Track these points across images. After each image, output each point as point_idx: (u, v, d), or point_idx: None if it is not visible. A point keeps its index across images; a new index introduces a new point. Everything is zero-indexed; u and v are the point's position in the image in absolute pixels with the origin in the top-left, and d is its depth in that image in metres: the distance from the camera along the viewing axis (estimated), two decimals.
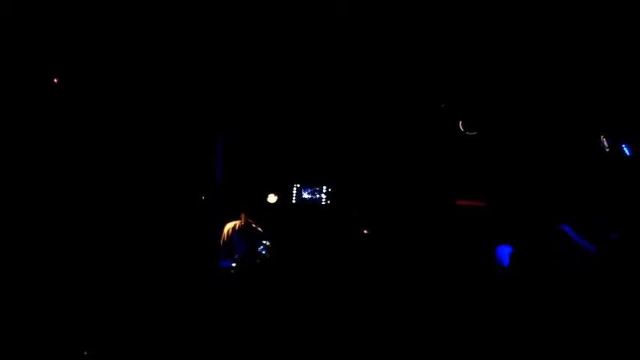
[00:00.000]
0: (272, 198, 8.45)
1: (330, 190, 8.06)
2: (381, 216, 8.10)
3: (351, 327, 6.04)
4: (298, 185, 8.28)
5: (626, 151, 6.73)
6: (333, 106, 8.22)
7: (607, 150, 6.79)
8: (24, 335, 5.33)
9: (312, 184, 7.98)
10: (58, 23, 6.55)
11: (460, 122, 7.60)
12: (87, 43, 6.79)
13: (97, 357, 5.35)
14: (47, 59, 6.83)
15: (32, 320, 5.67)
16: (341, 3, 6.62)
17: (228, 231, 7.35)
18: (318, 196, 8.07)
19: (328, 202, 8.02)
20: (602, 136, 6.82)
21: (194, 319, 5.91)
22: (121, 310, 6.26)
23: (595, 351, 4.50)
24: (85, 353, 5.49)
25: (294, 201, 8.18)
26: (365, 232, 8.10)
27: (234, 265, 7.08)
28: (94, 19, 6.63)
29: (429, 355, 5.55)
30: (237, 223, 7.38)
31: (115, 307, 6.30)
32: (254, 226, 7.66)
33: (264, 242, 7.01)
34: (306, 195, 8.06)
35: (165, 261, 7.22)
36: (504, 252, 5.66)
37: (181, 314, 6.17)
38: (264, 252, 6.96)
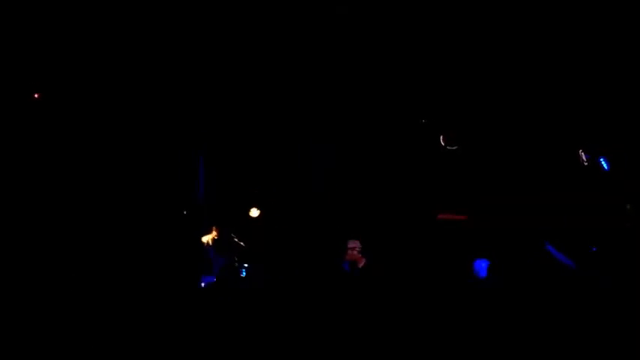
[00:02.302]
0: (254, 212, 8.47)
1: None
2: (365, 229, 8.10)
3: (337, 336, 6.03)
4: None
5: (604, 165, 6.81)
6: (316, 123, 8.24)
7: (585, 164, 6.87)
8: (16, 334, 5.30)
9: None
10: (46, 28, 6.55)
11: (441, 137, 7.64)
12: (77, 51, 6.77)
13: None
14: (34, 66, 6.82)
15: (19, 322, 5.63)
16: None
17: (204, 245, 7.41)
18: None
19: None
20: (580, 151, 6.90)
21: (178, 334, 5.87)
22: (105, 326, 6.20)
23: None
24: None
25: None
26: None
27: (216, 280, 7.10)
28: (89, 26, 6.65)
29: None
30: (210, 237, 7.45)
31: (99, 322, 6.24)
32: (236, 240, 7.68)
33: (244, 265, 7.04)
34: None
35: (148, 275, 7.17)
36: (481, 266, 5.73)
37: (165, 330, 6.13)
38: (243, 274, 6.97)
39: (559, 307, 4.76)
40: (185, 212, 8.04)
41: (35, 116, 6.99)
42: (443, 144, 7.63)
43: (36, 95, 6.95)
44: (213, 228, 7.55)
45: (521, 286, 5.19)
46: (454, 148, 7.57)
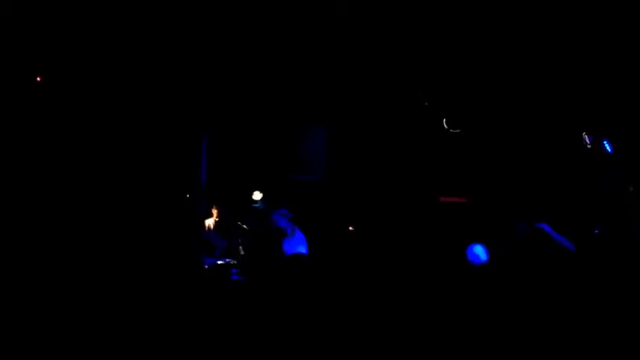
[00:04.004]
0: (257, 195, 8.49)
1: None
2: (366, 212, 8.13)
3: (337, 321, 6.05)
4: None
5: (608, 148, 6.78)
6: (317, 105, 8.23)
7: (588, 147, 6.84)
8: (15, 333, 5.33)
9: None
10: (44, 22, 6.55)
11: (444, 120, 7.62)
12: (76, 44, 6.78)
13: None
14: (33, 59, 6.82)
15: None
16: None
17: (206, 228, 7.48)
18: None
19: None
20: (583, 133, 6.87)
21: (179, 317, 5.91)
22: (105, 304, 6.24)
23: (574, 345, 4.54)
24: None
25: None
26: (350, 228, 8.12)
27: (219, 262, 7.14)
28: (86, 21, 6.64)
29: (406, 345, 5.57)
30: (212, 220, 7.51)
31: (99, 301, 6.28)
32: (239, 223, 7.72)
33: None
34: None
35: (150, 258, 7.22)
36: (477, 250, 5.69)
37: (166, 312, 6.17)
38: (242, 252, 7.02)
39: (558, 291, 4.74)
40: (188, 195, 8.08)
41: (37, 97, 7.00)
42: (446, 127, 7.62)
43: (38, 78, 6.96)
44: (214, 210, 7.59)
45: (520, 269, 5.18)
46: (457, 131, 7.56)
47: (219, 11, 6.73)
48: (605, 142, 6.78)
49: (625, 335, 4.42)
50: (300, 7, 6.68)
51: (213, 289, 6.89)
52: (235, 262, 7.20)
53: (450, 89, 7.57)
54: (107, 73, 7.20)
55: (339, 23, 6.86)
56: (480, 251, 5.77)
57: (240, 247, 7.41)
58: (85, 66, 7.11)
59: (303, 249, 6.31)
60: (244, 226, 7.77)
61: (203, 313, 6.00)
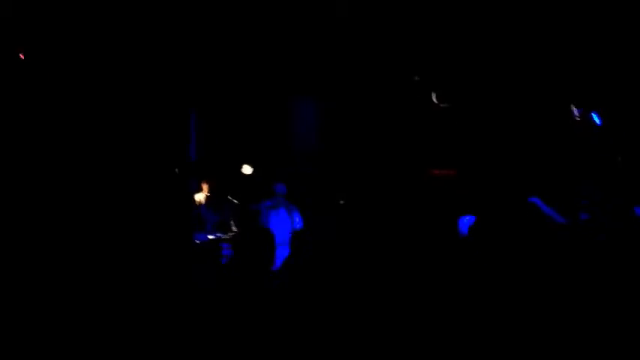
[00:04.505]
0: (247, 169, 8.49)
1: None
2: (358, 186, 8.16)
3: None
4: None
5: (596, 120, 6.82)
6: (307, 79, 8.21)
7: (577, 119, 6.87)
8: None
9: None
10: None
11: (433, 94, 7.63)
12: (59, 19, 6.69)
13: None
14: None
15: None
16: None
17: (197, 203, 7.48)
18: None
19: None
20: (572, 105, 6.90)
21: (171, 296, 5.92)
22: (97, 284, 6.25)
23: (563, 328, 4.57)
24: None
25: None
26: (340, 202, 8.15)
27: (210, 237, 7.17)
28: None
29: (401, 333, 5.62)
30: (202, 195, 7.50)
31: (91, 281, 6.28)
32: (229, 198, 7.73)
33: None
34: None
35: (142, 234, 7.22)
36: (467, 223, 5.71)
37: (158, 292, 6.18)
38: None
39: (550, 267, 4.77)
40: (177, 170, 8.04)
41: (24, 75, 6.92)
42: (435, 101, 7.64)
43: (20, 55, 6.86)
44: (204, 185, 7.58)
45: (510, 243, 5.21)
46: (445, 105, 7.58)
47: None
48: (593, 114, 6.82)
49: (618, 323, 4.44)
50: None
51: (205, 265, 6.91)
52: (227, 236, 7.23)
53: (439, 63, 7.57)
54: (95, 46, 7.11)
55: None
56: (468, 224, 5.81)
57: (231, 222, 7.44)
58: (72, 43, 7.02)
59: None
60: (235, 201, 7.79)
61: (195, 292, 6.01)
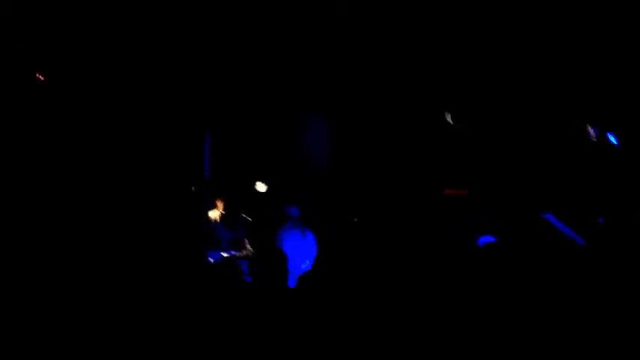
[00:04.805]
0: (261, 186, 8.50)
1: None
2: (370, 205, 8.15)
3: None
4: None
5: (613, 140, 6.79)
6: (319, 98, 8.25)
7: (593, 139, 6.85)
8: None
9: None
10: (50, 22, 6.56)
11: (447, 115, 7.64)
12: (77, 42, 6.78)
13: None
14: (38, 57, 6.83)
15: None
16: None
17: (212, 221, 7.48)
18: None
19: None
20: (587, 125, 6.88)
21: (184, 313, 5.90)
22: (107, 299, 6.24)
23: (581, 344, 4.51)
24: None
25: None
26: (354, 220, 8.13)
27: (224, 254, 7.15)
28: (86, 19, 6.65)
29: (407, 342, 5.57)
30: (216, 212, 7.50)
31: (101, 296, 6.28)
32: (243, 215, 7.73)
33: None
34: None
35: (154, 253, 7.23)
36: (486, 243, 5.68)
37: (170, 308, 6.17)
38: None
39: (565, 286, 4.72)
40: (193, 188, 8.08)
41: (41, 98, 7.02)
42: (449, 122, 7.64)
43: (39, 76, 6.95)
44: (217, 202, 7.58)
45: (526, 261, 5.16)
46: (460, 125, 7.58)
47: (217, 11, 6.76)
48: (609, 135, 6.80)
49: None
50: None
51: (221, 284, 6.88)
52: (241, 254, 7.21)
53: (453, 83, 7.58)
54: (112, 74, 7.22)
55: (341, 21, 6.88)
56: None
57: (246, 240, 7.42)
58: (91, 67, 7.12)
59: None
60: (249, 218, 7.79)
61: (210, 309, 5.98)
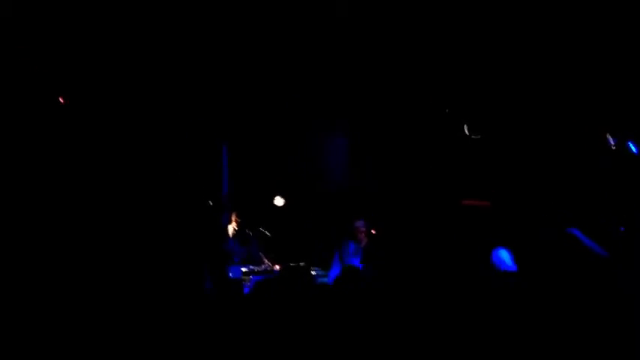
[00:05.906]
0: (279, 200, 8.49)
1: None
2: (389, 216, 8.12)
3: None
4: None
5: (633, 149, 6.72)
6: (336, 108, 8.24)
7: (613, 148, 6.78)
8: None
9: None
10: (62, 29, 6.57)
11: (465, 126, 7.61)
12: (91, 54, 6.80)
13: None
14: (53, 67, 6.85)
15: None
16: (341, 4, 6.63)
17: (229, 235, 7.50)
18: None
19: None
20: (607, 135, 6.81)
21: (200, 328, 5.89)
22: (125, 316, 6.24)
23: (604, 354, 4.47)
24: None
25: None
26: (372, 231, 8.11)
27: (243, 269, 7.12)
28: (98, 27, 6.65)
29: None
30: (232, 227, 7.52)
31: (120, 313, 6.28)
32: (261, 230, 7.73)
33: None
34: None
35: (172, 266, 7.23)
36: (502, 255, 5.63)
37: (186, 323, 6.16)
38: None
39: (588, 300, 4.66)
40: (210, 203, 8.08)
41: (62, 113, 7.04)
42: (467, 133, 7.61)
43: (61, 100, 6.97)
44: (234, 217, 7.59)
45: (547, 275, 5.11)
46: (478, 137, 7.54)
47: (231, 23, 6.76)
48: (630, 144, 6.73)
49: None
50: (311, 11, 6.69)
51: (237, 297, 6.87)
52: (260, 269, 7.19)
53: (470, 95, 7.55)
54: (130, 86, 7.25)
55: (354, 29, 6.87)
56: (505, 256, 5.71)
57: (262, 254, 7.40)
58: (107, 78, 7.14)
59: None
60: (267, 233, 7.78)
61: (228, 324, 5.97)
